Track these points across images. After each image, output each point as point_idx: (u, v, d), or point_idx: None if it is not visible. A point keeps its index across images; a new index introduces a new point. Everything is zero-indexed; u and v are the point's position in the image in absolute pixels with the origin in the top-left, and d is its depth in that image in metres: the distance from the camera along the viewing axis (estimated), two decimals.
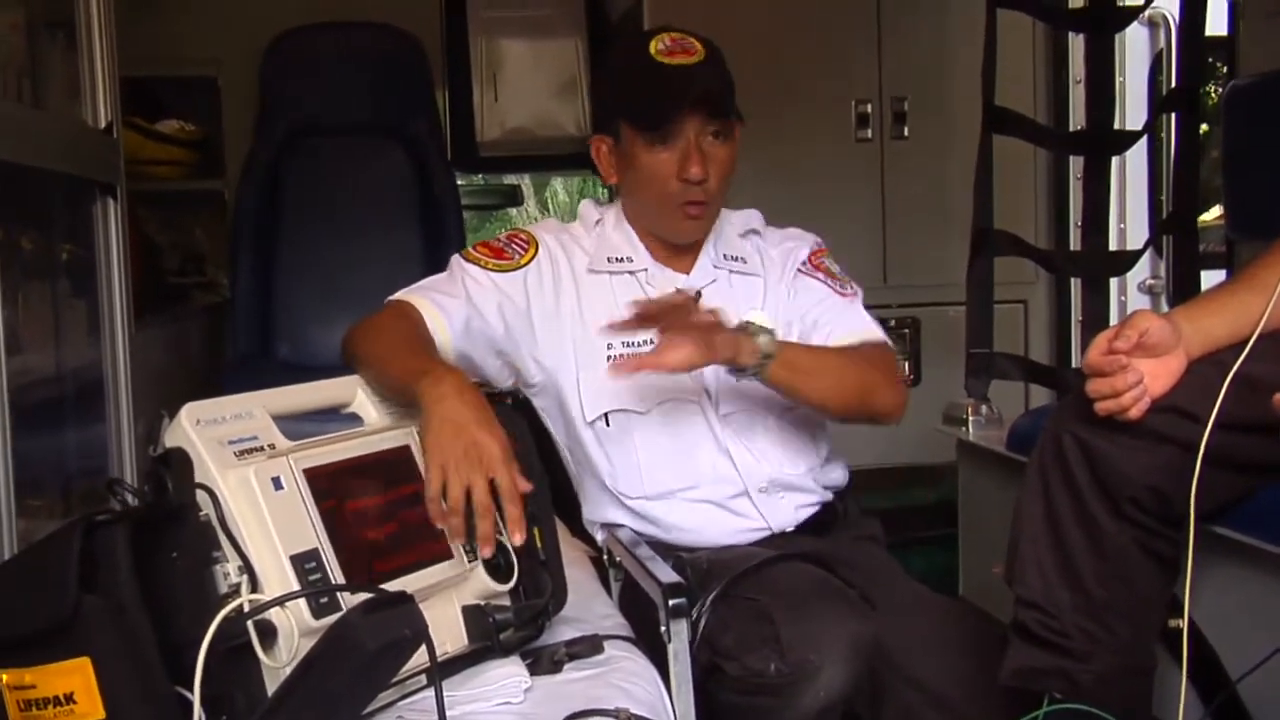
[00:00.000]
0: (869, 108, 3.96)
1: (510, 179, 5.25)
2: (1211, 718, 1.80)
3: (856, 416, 2.00)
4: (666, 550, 2.00)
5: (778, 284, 2.10)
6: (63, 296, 2.47)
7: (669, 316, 1.79)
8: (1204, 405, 1.62)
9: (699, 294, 1.98)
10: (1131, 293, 3.94)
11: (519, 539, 1.58)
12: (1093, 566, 1.71)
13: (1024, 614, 1.75)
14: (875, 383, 1.97)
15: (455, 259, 2.05)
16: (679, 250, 2.09)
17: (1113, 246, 3.81)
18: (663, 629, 1.67)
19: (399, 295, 1.99)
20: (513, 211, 8.06)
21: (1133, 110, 3.89)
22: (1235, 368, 1.63)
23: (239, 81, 4.09)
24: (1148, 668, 1.74)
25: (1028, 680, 1.74)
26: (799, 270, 2.10)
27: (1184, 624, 1.67)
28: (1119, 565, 1.70)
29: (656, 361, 1.78)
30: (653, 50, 1.97)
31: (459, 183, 5.05)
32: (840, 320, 2.05)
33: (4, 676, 1.31)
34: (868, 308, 2.12)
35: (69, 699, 1.27)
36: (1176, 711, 1.57)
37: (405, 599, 1.31)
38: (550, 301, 2.03)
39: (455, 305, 1.96)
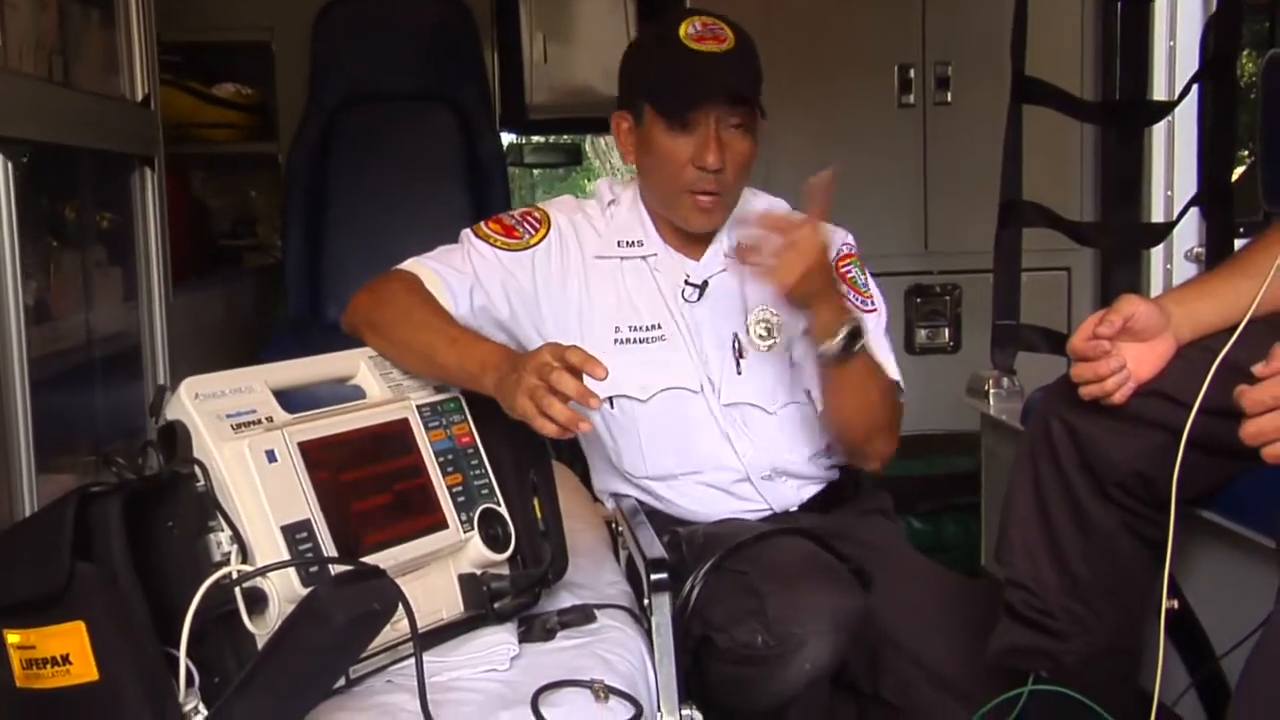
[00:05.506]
0: (912, 73, 3.93)
1: (573, 138, 5.30)
2: (1195, 691, 1.82)
3: (849, 450, 2.04)
4: (670, 522, 2.04)
5: None
6: (101, 264, 2.55)
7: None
8: (1190, 390, 1.61)
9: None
10: (1178, 261, 3.87)
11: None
12: (1079, 549, 1.72)
13: (1012, 594, 1.77)
14: (886, 425, 2.00)
15: (465, 234, 2.03)
16: (692, 236, 2.06)
17: (1159, 216, 3.77)
18: (645, 602, 1.71)
19: (406, 266, 1.97)
20: (595, 163, 8.10)
21: (1183, 77, 3.80)
22: (1223, 353, 1.62)
23: (292, 47, 4.16)
24: (1133, 649, 1.76)
25: (1013, 659, 1.76)
26: None
27: (1163, 605, 1.68)
28: (1105, 548, 1.71)
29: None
30: (682, 34, 1.93)
31: (521, 142, 5.14)
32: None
33: (12, 636, 1.39)
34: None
35: (65, 659, 1.33)
36: (1154, 683, 1.59)
37: (377, 573, 1.35)
38: (557, 283, 2.02)
39: (460, 281, 1.96)
